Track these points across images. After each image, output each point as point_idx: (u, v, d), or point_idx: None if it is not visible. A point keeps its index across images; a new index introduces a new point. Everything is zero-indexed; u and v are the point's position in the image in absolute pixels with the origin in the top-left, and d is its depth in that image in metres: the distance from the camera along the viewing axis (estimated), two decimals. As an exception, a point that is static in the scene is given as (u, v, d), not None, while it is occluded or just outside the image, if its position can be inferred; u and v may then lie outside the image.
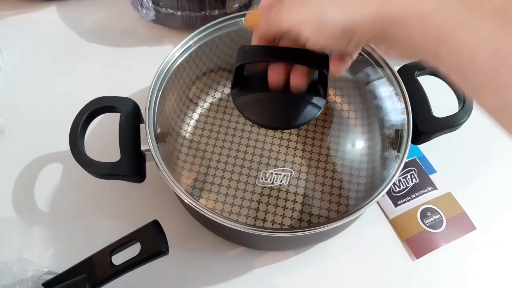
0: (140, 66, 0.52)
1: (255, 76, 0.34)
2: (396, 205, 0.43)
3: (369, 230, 0.42)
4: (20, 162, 0.45)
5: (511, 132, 0.21)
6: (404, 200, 0.44)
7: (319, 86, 0.32)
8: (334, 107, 0.38)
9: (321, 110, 0.31)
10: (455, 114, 0.38)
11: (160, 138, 0.36)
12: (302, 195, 0.34)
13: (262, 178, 0.34)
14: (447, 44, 0.21)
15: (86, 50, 0.54)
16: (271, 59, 0.31)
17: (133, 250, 0.32)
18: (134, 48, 0.54)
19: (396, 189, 0.44)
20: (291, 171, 0.34)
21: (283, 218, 0.33)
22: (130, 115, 0.37)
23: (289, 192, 0.34)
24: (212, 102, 0.38)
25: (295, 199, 0.34)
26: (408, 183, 0.45)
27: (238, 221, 0.33)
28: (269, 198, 0.34)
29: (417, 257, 0.41)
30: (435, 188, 0.45)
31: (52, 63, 0.53)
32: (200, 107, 0.37)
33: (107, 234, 0.40)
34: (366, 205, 0.34)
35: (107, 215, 0.42)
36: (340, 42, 0.25)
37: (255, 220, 0.33)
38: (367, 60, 0.40)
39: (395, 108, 0.38)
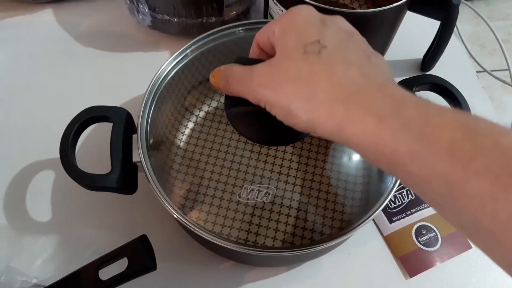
0: (135, 72, 0.51)
1: None
2: (391, 221, 0.43)
3: (363, 246, 0.42)
4: (11, 169, 0.45)
5: (473, 241, 0.21)
6: (399, 216, 0.43)
7: None
8: None
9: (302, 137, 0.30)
10: None
11: (153, 148, 0.36)
12: (296, 209, 0.34)
13: (243, 194, 0.34)
14: (401, 170, 0.21)
15: (81, 54, 0.53)
16: None
17: (121, 265, 0.32)
18: (130, 53, 0.53)
19: (391, 205, 0.44)
20: (274, 189, 0.34)
21: (276, 232, 0.33)
22: (122, 125, 0.36)
23: (283, 205, 0.34)
24: (207, 111, 0.37)
25: (288, 213, 0.33)
26: (404, 199, 0.44)
27: (230, 234, 0.32)
28: (262, 211, 0.33)
29: (411, 276, 0.40)
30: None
31: (46, 66, 0.52)
32: (195, 115, 0.37)
33: (96, 244, 0.39)
34: (361, 223, 0.33)
35: (97, 225, 0.42)
36: (304, 129, 0.24)
37: (248, 234, 0.33)
38: None
39: None
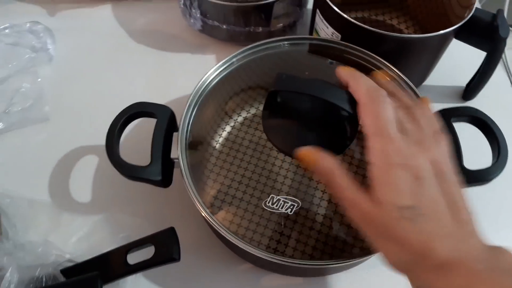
0: (181, 72, 0.54)
1: (289, 102, 0.35)
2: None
3: (382, 268, 0.42)
4: (60, 150, 0.48)
5: None
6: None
7: (348, 127, 0.32)
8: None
9: (342, 152, 0.32)
10: (487, 168, 0.36)
11: (190, 147, 0.38)
12: (320, 223, 0.34)
13: (269, 202, 0.35)
14: None
15: (134, 50, 0.56)
16: (302, 91, 0.31)
17: (148, 252, 0.34)
18: (178, 54, 0.56)
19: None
20: (299, 202, 0.35)
21: (297, 243, 0.34)
22: (166, 123, 0.39)
23: (307, 218, 0.35)
24: (246, 117, 0.39)
25: (312, 226, 0.34)
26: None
27: (253, 238, 0.34)
28: (286, 221, 0.34)
29: None
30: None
31: (100, 58, 0.56)
32: (234, 120, 0.39)
33: (127, 230, 0.42)
34: None
35: (131, 212, 0.44)
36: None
37: (269, 240, 0.34)
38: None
39: None
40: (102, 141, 0.37)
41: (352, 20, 0.42)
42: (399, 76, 0.41)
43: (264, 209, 0.35)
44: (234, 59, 0.42)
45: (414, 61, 0.47)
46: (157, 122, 0.38)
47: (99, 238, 0.42)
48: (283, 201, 0.35)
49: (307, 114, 0.35)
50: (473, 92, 0.52)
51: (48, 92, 0.52)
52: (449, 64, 0.53)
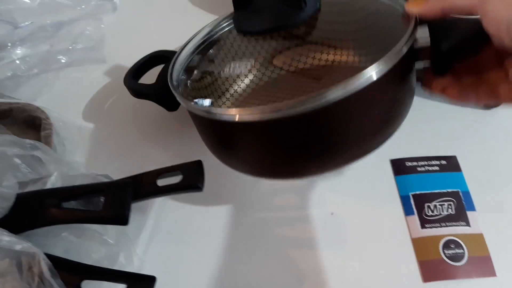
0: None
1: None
2: (423, 226, 0.44)
3: (389, 238, 0.44)
4: (111, 89, 0.53)
5: None
6: (433, 225, 0.44)
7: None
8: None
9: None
10: None
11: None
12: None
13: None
14: None
15: (191, 12, 0.60)
16: None
17: (175, 180, 0.38)
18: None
19: (428, 212, 0.45)
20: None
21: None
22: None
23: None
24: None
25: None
26: (443, 212, 0.45)
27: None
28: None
29: (425, 281, 0.41)
30: (468, 225, 0.45)
31: (159, 15, 0.60)
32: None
33: (159, 165, 0.46)
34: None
35: (164, 149, 0.48)
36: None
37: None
38: None
39: None
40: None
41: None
42: None
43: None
44: None
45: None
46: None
47: (133, 168, 0.47)
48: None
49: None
50: None
51: (109, 38, 0.57)
52: None
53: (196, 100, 0.39)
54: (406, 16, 0.34)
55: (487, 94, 0.34)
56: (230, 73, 0.41)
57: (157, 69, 0.45)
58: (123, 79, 0.43)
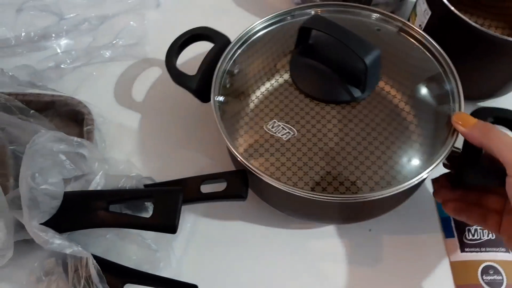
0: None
1: (318, 46, 0.40)
2: (463, 250, 0.43)
3: (427, 263, 0.43)
4: (153, 87, 0.53)
5: None
6: (472, 249, 0.43)
7: (362, 76, 0.37)
8: (391, 100, 0.38)
9: (355, 100, 0.37)
10: None
11: (225, 91, 0.41)
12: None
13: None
14: None
15: (233, 13, 0.60)
16: (328, 32, 0.37)
17: (219, 187, 0.38)
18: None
19: (469, 236, 0.44)
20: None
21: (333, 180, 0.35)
22: (220, 48, 0.43)
23: (337, 157, 0.36)
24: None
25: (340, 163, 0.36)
26: (483, 236, 0.44)
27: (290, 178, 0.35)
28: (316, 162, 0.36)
29: (463, 305, 0.41)
30: (507, 251, 0.44)
31: (201, 13, 0.60)
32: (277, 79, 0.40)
33: (199, 167, 0.46)
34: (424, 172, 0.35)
35: (206, 153, 0.48)
36: None
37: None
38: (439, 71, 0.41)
39: None
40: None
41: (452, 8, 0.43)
42: (454, 80, 0.40)
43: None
44: (288, 16, 0.45)
45: (505, 65, 0.46)
46: (213, 47, 0.43)
47: (174, 169, 0.47)
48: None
49: (330, 60, 0.39)
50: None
51: (151, 34, 0.57)
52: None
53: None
54: (450, 123, 0.37)
55: (478, 218, 0.38)
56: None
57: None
58: (165, 60, 0.44)
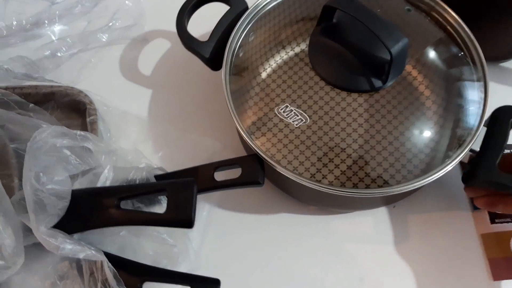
0: None
1: (341, 28, 0.37)
2: (493, 221, 0.41)
3: (455, 238, 0.41)
4: (156, 69, 0.51)
5: None
6: (503, 220, 0.41)
7: (386, 67, 0.34)
8: (416, 87, 0.36)
9: (375, 90, 0.35)
10: None
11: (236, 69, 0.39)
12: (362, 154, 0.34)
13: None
14: None
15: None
16: (354, 15, 0.33)
17: (233, 173, 0.35)
18: None
19: (498, 206, 0.42)
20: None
21: (341, 173, 0.33)
22: (236, 12, 0.40)
23: (349, 147, 0.34)
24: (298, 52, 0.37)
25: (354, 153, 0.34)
26: (513, 205, 0.42)
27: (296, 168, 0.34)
28: (330, 150, 0.34)
29: (494, 279, 0.39)
30: (540, 219, 0.41)
31: None
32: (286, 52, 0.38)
33: (210, 154, 0.44)
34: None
35: (216, 137, 0.46)
36: None
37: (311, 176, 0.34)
38: (467, 61, 0.39)
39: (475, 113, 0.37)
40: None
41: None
42: (470, 41, 0.38)
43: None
44: None
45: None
46: (229, 10, 0.40)
47: (184, 156, 0.45)
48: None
49: (353, 45, 0.36)
50: None
51: (149, 14, 0.54)
52: None
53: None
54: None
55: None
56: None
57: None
58: (176, 23, 0.41)
